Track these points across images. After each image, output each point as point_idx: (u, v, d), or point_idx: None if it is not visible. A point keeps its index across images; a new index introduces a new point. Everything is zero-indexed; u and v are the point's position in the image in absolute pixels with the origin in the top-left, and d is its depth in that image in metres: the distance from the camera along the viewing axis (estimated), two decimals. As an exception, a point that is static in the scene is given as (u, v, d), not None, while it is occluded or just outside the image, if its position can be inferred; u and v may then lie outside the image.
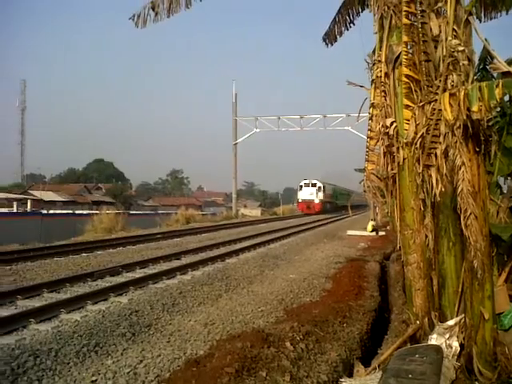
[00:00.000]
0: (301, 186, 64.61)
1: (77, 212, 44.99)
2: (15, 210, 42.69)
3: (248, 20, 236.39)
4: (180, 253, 17.11)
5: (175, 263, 14.98)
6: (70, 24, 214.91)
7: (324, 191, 64.40)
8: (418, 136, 6.07)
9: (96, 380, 5.79)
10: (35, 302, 9.52)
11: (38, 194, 61.44)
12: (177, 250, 18.30)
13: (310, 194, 62.65)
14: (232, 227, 33.31)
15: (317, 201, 62.50)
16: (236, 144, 50.37)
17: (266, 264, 15.11)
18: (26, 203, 48.68)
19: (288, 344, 6.67)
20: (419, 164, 6.15)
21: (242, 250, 18.66)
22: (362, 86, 7.38)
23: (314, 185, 63.58)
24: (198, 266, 14.24)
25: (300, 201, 64.05)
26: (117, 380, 5.79)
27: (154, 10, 9.37)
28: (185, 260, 15.80)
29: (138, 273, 13.13)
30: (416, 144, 6.12)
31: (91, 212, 38.81)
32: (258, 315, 8.80)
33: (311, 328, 7.44)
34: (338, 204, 75.38)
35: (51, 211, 43.94)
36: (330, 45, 10.73)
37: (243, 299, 10.12)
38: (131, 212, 49.38)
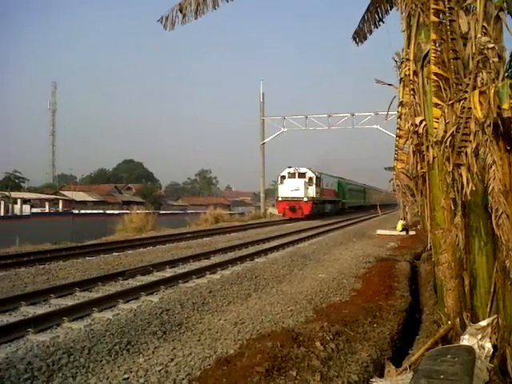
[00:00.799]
0: (282, 177, 43.94)
1: (107, 212, 45.56)
2: (47, 210, 43.47)
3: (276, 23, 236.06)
4: (209, 252, 17.23)
5: (204, 262, 15.10)
6: (100, 23, 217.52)
7: (319, 185, 44.84)
8: (448, 134, 5.99)
9: (128, 378, 5.87)
10: (68, 301, 9.72)
11: (70, 194, 62.54)
12: (206, 249, 18.41)
13: (294, 189, 42.18)
14: (260, 226, 33.33)
15: (306, 199, 41.70)
16: (263, 144, 50.37)
17: (295, 263, 15.10)
18: (58, 203, 49.53)
19: (318, 344, 6.68)
20: (449, 163, 6.07)
21: (271, 249, 18.69)
22: (390, 85, 7.35)
23: (301, 175, 43.37)
24: (227, 266, 14.32)
25: (280, 199, 43.22)
26: (148, 378, 5.86)
27: (181, 12, 9.46)
28: (214, 259, 15.90)
29: (169, 272, 13.27)
30: (446, 143, 6.04)
31: (122, 212, 39.26)
32: (288, 315, 8.80)
33: (341, 328, 7.42)
34: (345, 204, 57.99)
35: (82, 211, 44.64)
36: (360, 43, 10.72)
37: (272, 298, 10.14)
38: (161, 212, 49.84)
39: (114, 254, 16.94)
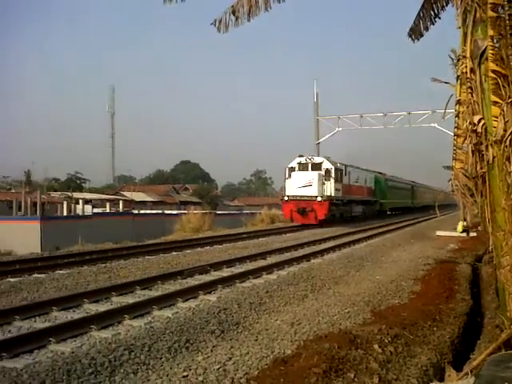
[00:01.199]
0: (290, 170, 33.59)
1: (166, 212, 46.34)
2: (108, 210, 44.61)
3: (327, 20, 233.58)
4: (265, 252, 17.33)
5: (261, 263, 15.21)
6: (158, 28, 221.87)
7: (340, 180, 34.31)
8: (508, 134, 5.84)
9: (187, 375, 5.96)
10: (129, 299, 9.97)
11: (129, 194, 64.12)
12: (262, 249, 18.53)
13: (305, 185, 31.92)
14: (316, 227, 33.13)
15: (320, 199, 31.22)
16: (318, 144, 50.03)
17: (352, 265, 14.97)
18: (118, 203, 50.70)
19: (376, 346, 6.61)
20: (510, 163, 5.91)
21: (327, 250, 18.65)
22: (446, 83, 7.21)
23: (316, 166, 33.00)
24: (284, 266, 14.35)
25: (286, 199, 32.60)
26: (207, 376, 5.94)
27: (234, 14, 9.54)
28: (270, 260, 15.99)
29: (226, 272, 13.44)
30: (506, 142, 5.89)
31: (180, 212, 39.89)
32: (345, 316, 8.74)
33: (400, 331, 7.32)
34: (384, 205, 47.14)
35: (142, 211, 45.61)
36: (416, 40, 10.54)
37: (329, 300, 10.08)
38: (217, 212, 50.30)
39: (173, 253, 17.32)
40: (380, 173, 48.62)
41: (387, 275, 13.15)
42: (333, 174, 32.72)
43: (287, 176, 33.42)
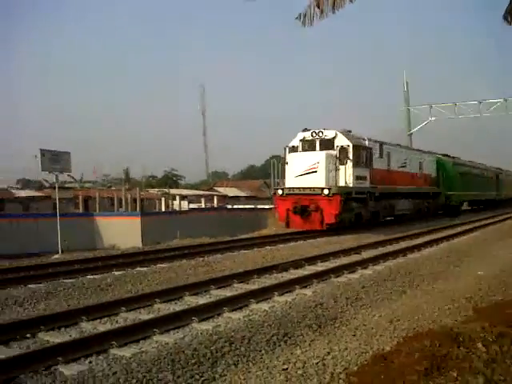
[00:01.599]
0: (291, 151, 23.06)
1: (258, 206, 46.95)
2: (203, 206, 45.84)
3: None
4: (359, 247, 17.15)
5: (355, 257, 15.07)
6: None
7: (366, 163, 23.00)
8: None
9: (287, 368, 6.03)
10: (227, 292, 10.22)
11: (223, 190, 65.52)
12: (356, 244, 18.27)
13: (306, 172, 21.26)
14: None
15: (327, 191, 20.25)
16: (411, 134, 48.62)
17: (451, 260, 14.50)
18: (213, 199, 51.91)
19: (480, 345, 6.38)
20: None
21: (424, 244, 18.14)
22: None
23: (326, 143, 22.09)
24: (379, 261, 14.14)
25: (280, 193, 21.87)
26: (306, 370, 5.99)
27: (319, 7, 9.49)
28: (365, 254, 15.77)
29: (320, 266, 13.43)
30: None
31: (272, 206, 40.25)
32: (445, 313, 8.51)
33: (504, 329, 7.01)
34: (452, 198, 34.90)
35: (235, 206, 46.48)
36: None
37: (428, 296, 9.84)
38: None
39: (267, 247, 17.53)
40: (447, 155, 37.23)
41: (489, 270, 12.62)
42: (350, 155, 21.76)
43: (286, 160, 22.88)
